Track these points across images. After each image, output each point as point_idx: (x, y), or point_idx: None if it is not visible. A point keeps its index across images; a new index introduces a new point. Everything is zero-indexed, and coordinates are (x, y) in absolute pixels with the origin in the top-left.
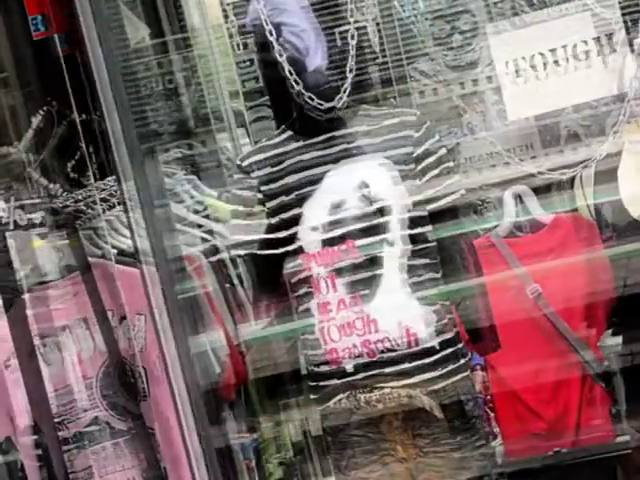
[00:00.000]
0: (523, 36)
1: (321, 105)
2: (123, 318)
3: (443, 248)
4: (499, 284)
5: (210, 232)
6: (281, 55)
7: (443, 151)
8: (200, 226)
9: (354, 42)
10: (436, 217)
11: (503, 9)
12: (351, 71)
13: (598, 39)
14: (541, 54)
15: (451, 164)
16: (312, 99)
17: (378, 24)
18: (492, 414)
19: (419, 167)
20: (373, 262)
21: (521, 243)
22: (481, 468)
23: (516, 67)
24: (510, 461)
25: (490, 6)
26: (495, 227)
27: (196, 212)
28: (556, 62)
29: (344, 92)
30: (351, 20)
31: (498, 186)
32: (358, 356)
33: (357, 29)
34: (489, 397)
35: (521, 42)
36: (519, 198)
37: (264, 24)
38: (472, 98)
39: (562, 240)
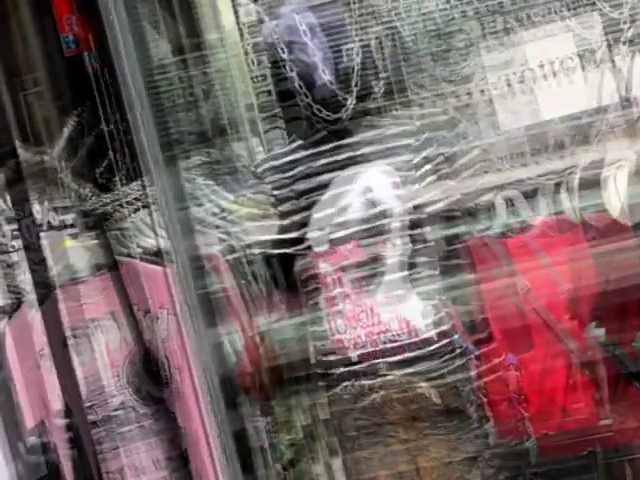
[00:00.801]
0: (513, 53)
1: (329, 116)
2: (147, 312)
3: (441, 247)
4: (492, 280)
5: (227, 233)
6: (292, 70)
7: (440, 158)
8: (218, 227)
9: (359, 59)
10: (434, 219)
11: (496, 28)
12: (356, 85)
13: (580, 57)
14: (530, 70)
15: (448, 170)
16: (320, 111)
17: (381, 42)
18: (485, 399)
19: (418, 173)
20: (376, 260)
21: (512, 243)
22: (475, 449)
23: (507, 81)
24: (501, 442)
25: (484, 25)
26: (488, 228)
27: (214, 214)
28: (544, 77)
29: (350, 104)
30: (356, 39)
31: (491, 190)
32: (362, 346)
33: (362, 47)
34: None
35: (512, 59)
36: (510, 201)
37: (276, 43)
38: (466, 109)
39: (549, 240)
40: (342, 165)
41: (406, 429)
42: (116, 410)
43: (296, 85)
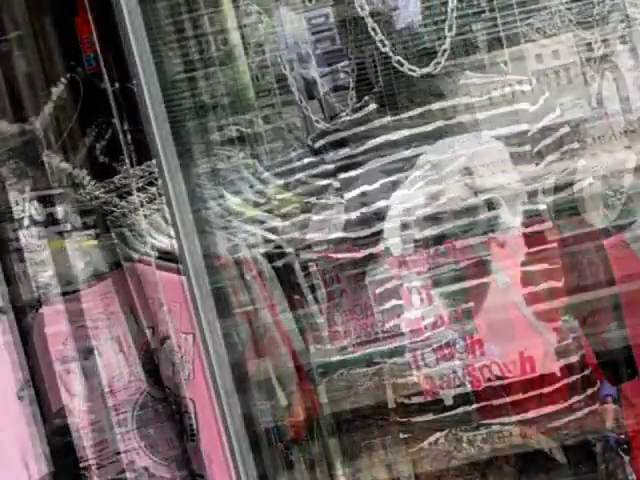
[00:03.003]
0: None
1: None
2: (166, 338)
3: (564, 250)
4: (637, 293)
5: (274, 230)
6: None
7: (565, 129)
8: (262, 222)
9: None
10: (556, 211)
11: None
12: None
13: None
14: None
15: (575, 145)
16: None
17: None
18: (627, 457)
19: (535, 149)
20: (479, 267)
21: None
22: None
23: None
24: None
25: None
26: (631, 224)
27: (257, 205)
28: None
29: (442, 55)
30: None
31: (636, 173)
32: (459, 385)
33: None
34: (623, 436)
35: None
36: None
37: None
38: (602, 63)
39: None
40: (431, 137)
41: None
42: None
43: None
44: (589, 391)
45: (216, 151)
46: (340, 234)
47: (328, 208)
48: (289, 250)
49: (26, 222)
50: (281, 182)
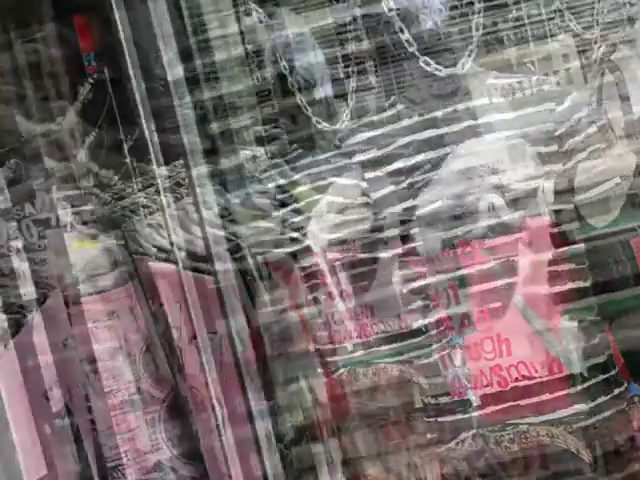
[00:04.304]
0: None
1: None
2: (194, 338)
3: (592, 250)
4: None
5: (301, 230)
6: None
7: (594, 128)
8: (288, 223)
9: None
10: (585, 211)
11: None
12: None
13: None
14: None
15: (604, 145)
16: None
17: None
18: None
19: (563, 148)
20: (505, 268)
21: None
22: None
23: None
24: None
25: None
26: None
27: (283, 205)
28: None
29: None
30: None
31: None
32: (486, 385)
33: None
34: None
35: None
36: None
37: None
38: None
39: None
40: (458, 137)
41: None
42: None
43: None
44: (616, 391)
45: (241, 150)
46: (368, 234)
47: (356, 208)
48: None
49: (53, 222)
50: (308, 183)
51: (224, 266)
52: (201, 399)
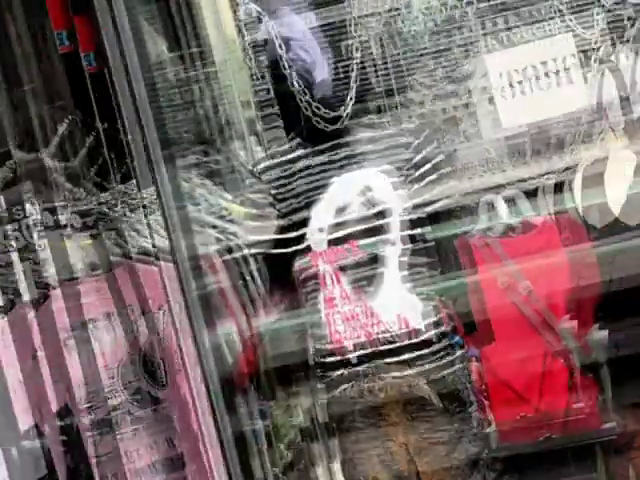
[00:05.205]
0: (514, 52)
1: (327, 114)
2: (144, 313)
3: (441, 247)
4: (493, 281)
5: (225, 232)
6: (290, 68)
7: (440, 157)
8: (215, 227)
9: (358, 55)
10: (434, 219)
11: (497, 25)
12: (355, 82)
13: (580, 56)
14: (533, 67)
15: (447, 170)
16: (319, 109)
17: (381, 39)
18: (487, 402)
19: (418, 172)
20: (375, 260)
21: (513, 243)
22: (476, 452)
23: (509, 79)
24: (503, 446)
25: (485, 22)
26: (489, 228)
27: (211, 214)
28: (546, 74)
29: (349, 102)
30: (355, 35)
31: (492, 190)
32: (362, 348)
33: (361, 43)
34: (484, 386)
35: (512, 57)
36: (512, 201)
37: (274, 39)
38: (467, 108)
39: (550, 240)
40: (341, 164)
41: (405, 430)
42: (111, 412)
43: (294, 83)
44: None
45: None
46: (274, 236)
47: (265, 217)
48: (235, 247)
49: (39, 227)
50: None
51: (167, 258)
52: (149, 357)
